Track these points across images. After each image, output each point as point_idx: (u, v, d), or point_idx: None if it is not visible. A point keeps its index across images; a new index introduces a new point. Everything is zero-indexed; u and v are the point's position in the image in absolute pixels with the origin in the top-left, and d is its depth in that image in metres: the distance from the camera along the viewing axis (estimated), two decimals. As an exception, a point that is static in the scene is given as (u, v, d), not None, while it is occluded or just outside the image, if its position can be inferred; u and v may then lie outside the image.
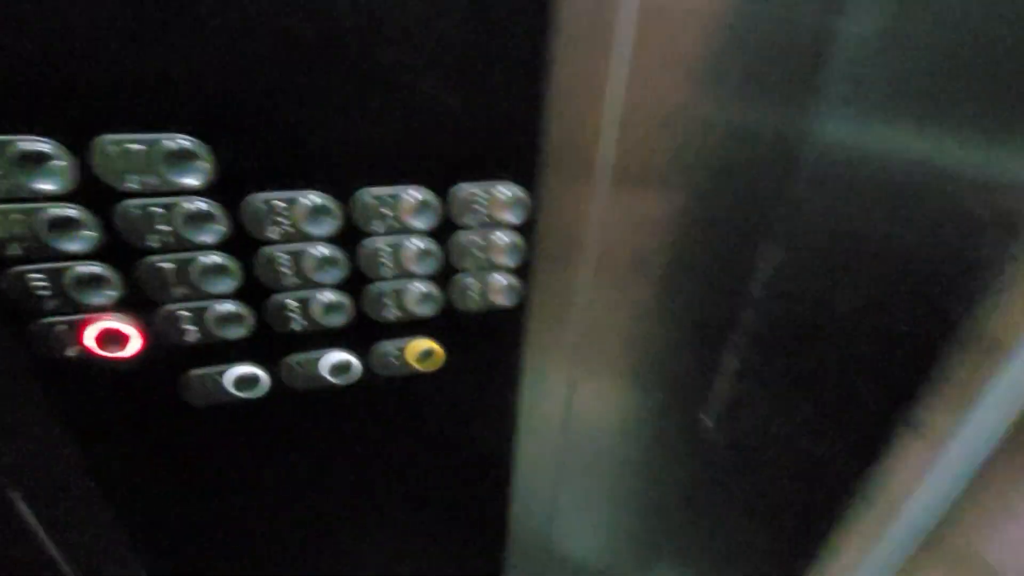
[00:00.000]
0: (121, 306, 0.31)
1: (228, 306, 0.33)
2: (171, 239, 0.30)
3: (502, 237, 0.37)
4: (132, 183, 0.27)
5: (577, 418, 0.54)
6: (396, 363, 0.40)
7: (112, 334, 0.31)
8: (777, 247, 0.49)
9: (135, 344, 0.32)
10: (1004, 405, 0.43)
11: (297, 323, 0.35)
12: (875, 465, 0.44)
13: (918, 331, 0.39)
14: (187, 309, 0.32)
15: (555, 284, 0.42)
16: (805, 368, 0.50)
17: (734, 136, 0.41)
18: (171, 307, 0.32)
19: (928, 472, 0.46)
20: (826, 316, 0.46)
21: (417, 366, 0.40)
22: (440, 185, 0.34)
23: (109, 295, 0.30)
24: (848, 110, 0.39)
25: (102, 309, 0.30)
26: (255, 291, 0.33)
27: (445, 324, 0.39)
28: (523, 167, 0.35)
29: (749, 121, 0.41)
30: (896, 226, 0.39)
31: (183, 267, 0.31)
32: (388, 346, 0.39)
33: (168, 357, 0.33)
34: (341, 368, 0.38)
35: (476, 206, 0.35)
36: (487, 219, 0.36)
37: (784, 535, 0.54)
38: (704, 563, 0.67)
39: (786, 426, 0.52)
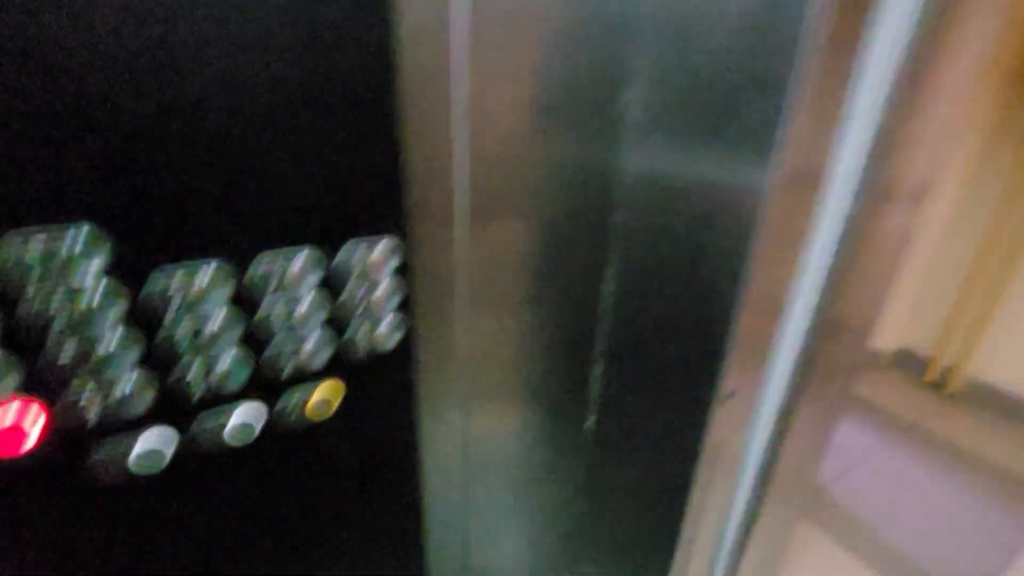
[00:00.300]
0: (22, 393, 0.32)
1: (131, 381, 0.36)
2: (75, 321, 0.32)
3: (384, 284, 0.43)
4: (34, 277, 0.30)
5: (475, 439, 0.60)
6: (298, 412, 0.43)
7: (10, 430, 0.32)
8: (612, 262, 0.60)
9: (36, 433, 0.33)
10: (788, 360, 0.57)
11: (199, 388, 0.38)
12: (709, 429, 0.55)
13: (718, 314, 0.51)
14: (90, 390, 0.34)
15: (436, 318, 0.49)
16: (651, 360, 0.61)
17: (563, 172, 0.52)
18: (75, 389, 0.34)
19: (748, 425, 0.59)
20: (657, 314, 0.58)
21: (319, 412, 0.44)
22: (325, 245, 0.40)
23: (8, 383, 0.32)
24: (642, 144, 0.52)
25: None
26: (158, 363, 0.36)
27: (342, 369, 0.44)
28: (395, 221, 0.42)
29: (571, 159, 0.52)
30: (686, 230, 0.51)
31: (86, 349, 0.33)
32: (290, 397, 0.43)
33: (70, 441, 0.35)
34: (244, 426, 0.41)
35: (358, 259, 0.41)
36: (369, 269, 0.42)
37: (660, 506, 0.64)
38: (606, 551, 0.75)
39: (645, 411, 0.63)
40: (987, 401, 1.91)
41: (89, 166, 0.30)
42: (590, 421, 0.70)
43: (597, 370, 0.68)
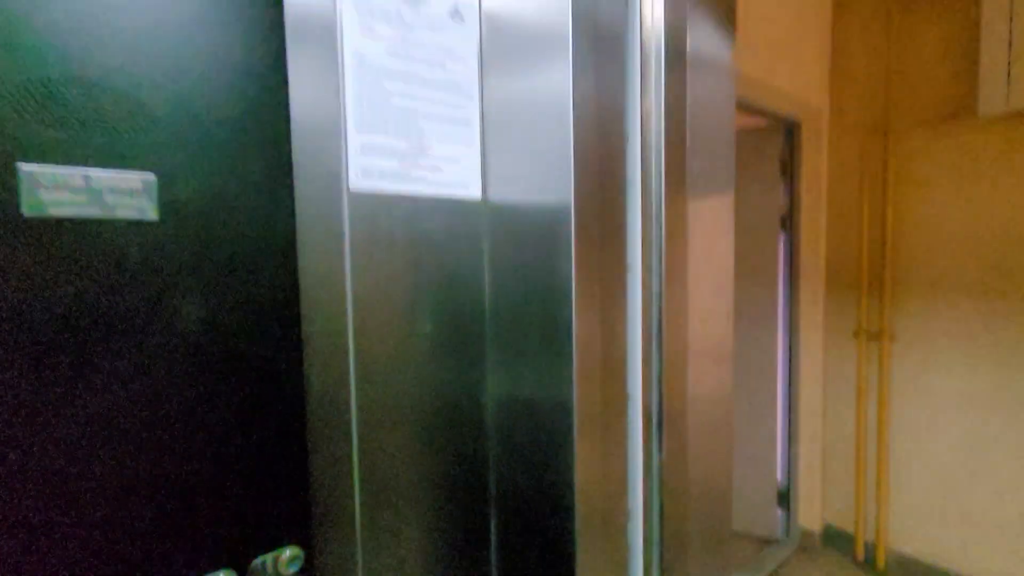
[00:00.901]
0: None
1: None
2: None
3: (289, 581, 0.56)
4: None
5: None
6: None
7: None
8: (491, 505, 0.75)
9: None
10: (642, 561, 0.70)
11: None
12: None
13: (567, 542, 0.65)
14: None
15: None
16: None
17: (445, 396, 0.69)
18: None
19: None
20: (530, 541, 0.71)
21: None
22: (241, 562, 0.53)
23: None
24: (499, 367, 0.71)
25: None
26: None
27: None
28: (297, 532, 0.57)
29: (447, 381, 0.70)
30: (535, 447, 0.68)
31: None
32: None
33: None
34: None
35: (268, 567, 0.55)
36: (278, 572, 0.55)
37: None
38: None
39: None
40: (914, 573, 1.99)
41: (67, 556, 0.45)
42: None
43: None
